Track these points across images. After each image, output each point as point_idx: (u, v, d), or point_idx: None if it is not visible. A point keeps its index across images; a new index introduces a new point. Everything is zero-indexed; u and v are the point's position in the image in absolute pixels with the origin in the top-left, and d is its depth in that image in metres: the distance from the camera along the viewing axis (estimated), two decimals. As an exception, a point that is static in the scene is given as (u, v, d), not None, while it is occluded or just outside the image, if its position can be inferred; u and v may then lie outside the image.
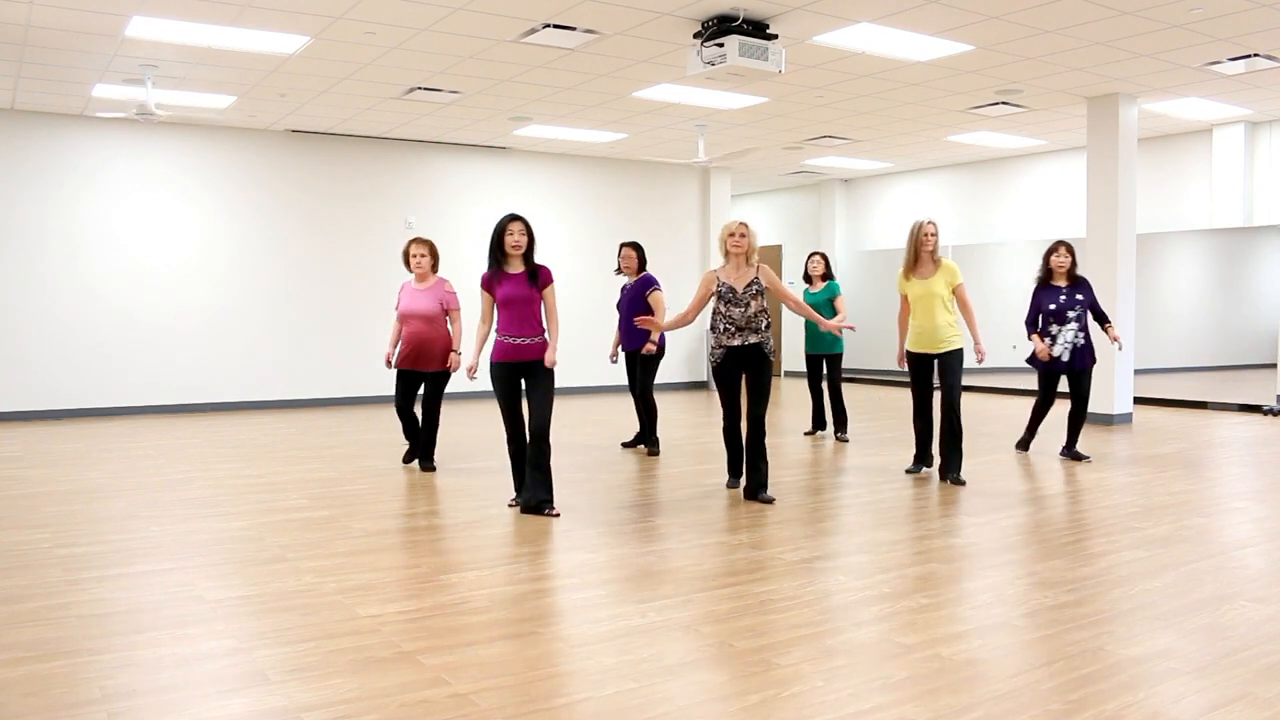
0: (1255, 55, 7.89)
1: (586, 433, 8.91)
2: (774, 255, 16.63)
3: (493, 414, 10.32)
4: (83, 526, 5.10)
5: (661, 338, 7.39)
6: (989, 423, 9.57)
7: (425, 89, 9.03)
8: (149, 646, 3.29)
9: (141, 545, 4.70)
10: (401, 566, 4.31)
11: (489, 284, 5.38)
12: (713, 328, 5.80)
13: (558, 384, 12.24)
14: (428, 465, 6.89)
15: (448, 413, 10.33)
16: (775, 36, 6.98)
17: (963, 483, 6.24)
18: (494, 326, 5.44)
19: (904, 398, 12.24)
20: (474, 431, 8.93)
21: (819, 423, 8.74)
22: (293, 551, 4.58)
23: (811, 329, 8.28)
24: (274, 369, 11.17)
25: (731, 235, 5.69)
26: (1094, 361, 7.29)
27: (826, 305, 8.31)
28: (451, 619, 3.58)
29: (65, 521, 5.22)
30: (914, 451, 6.73)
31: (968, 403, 11.53)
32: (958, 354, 6.36)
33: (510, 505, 5.58)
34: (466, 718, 2.72)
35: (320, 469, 6.93)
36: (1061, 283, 7.21)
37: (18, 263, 9.91)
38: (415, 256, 6.85)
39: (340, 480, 6.48)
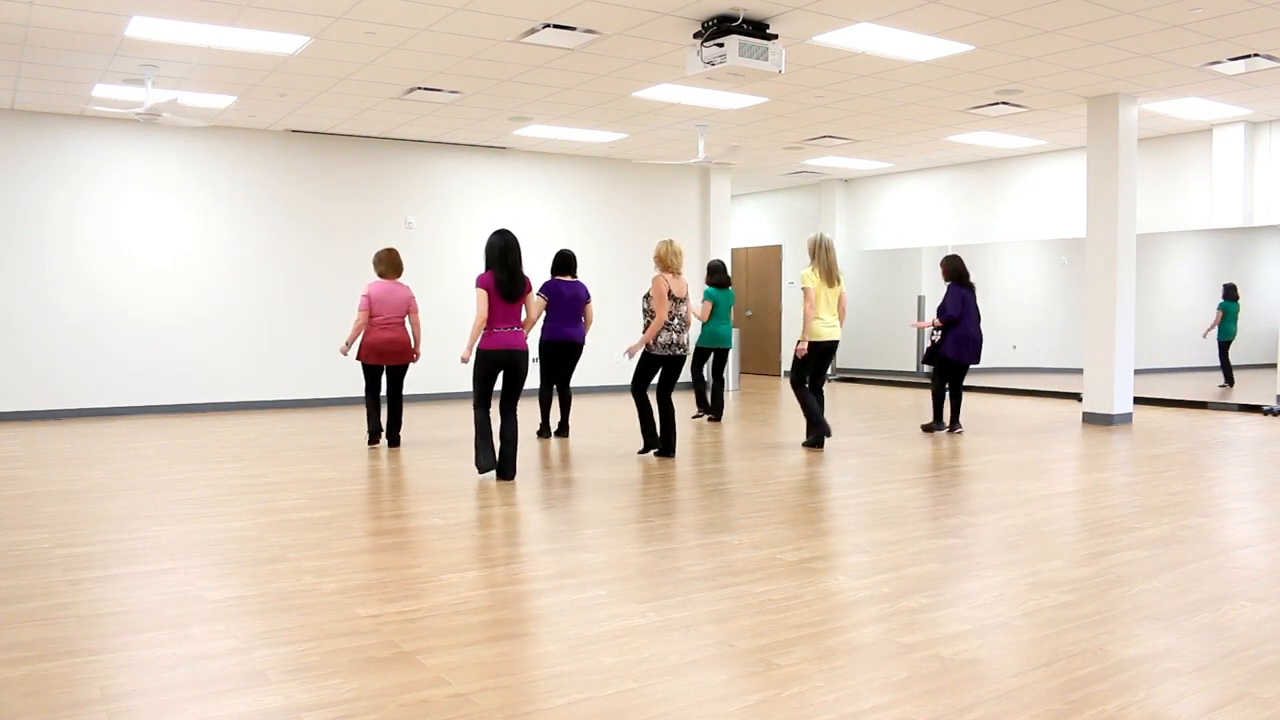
0: (1255, 55, 7.89)
1: (586, 431, 8.90)
2: (774, 255, 16.64)
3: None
4: (83, 526, 5.11)
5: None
6: (990, 422, 9.57)
7: (425, 89, 9.03)
8: (149, 646, 3.29)
9: (141, 545, 4.70)
10: (401, 566, 4.31)
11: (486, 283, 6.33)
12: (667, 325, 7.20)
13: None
14: (396, 441, 7.97)
15: (449, 411, 10.36)
16: (775, 36, 6.98)
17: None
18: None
19: (901, 398, 12.24)
20: (470, 431, 8.92)
21: (703, 405, 9.91)
22: (293, 551, 4.58)
23: (708, 326, 9.56)
24: (274, 369, 11.16)
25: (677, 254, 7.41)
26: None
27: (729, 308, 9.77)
28: (451, 619, 3.58)
29: (65, 521, 5.22)
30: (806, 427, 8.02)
31: (972, 401, 11.52)
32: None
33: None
34: (466, 718, 2.72)
35: (320, 469, 6.94)
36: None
37: (18, 262, 9.91)
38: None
39: (340, 480, 6.49)
